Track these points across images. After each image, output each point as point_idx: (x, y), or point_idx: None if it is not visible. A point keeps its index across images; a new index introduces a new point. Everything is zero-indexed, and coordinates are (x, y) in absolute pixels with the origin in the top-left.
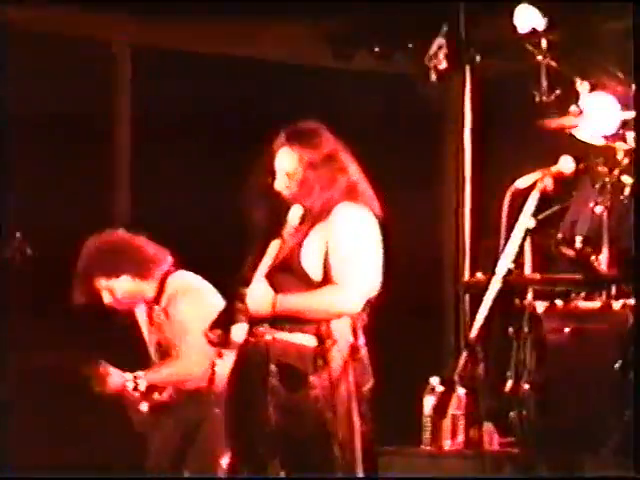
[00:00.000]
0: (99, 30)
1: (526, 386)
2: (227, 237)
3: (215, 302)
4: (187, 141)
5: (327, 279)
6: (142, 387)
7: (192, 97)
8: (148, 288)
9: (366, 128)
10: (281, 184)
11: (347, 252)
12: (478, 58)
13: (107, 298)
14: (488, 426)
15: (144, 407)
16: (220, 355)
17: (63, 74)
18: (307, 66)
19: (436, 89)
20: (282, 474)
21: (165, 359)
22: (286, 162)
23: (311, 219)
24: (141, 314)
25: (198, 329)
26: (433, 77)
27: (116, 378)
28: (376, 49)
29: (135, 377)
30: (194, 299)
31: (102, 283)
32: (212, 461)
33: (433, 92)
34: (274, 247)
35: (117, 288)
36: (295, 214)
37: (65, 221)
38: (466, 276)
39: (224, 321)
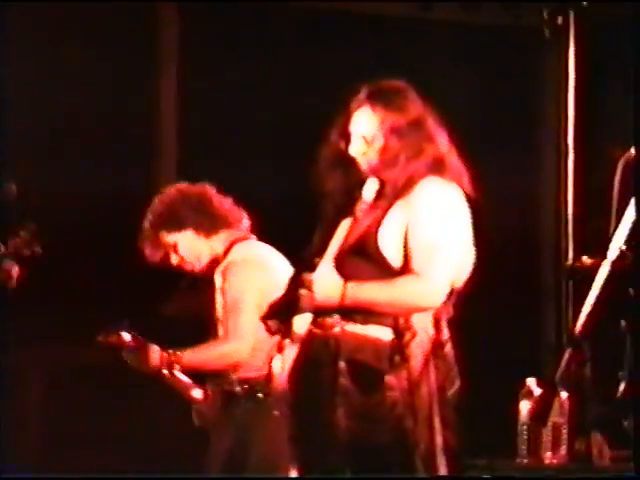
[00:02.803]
0: None
1: None
2: (296, 214)
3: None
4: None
5: (407, 267)
6: (177, 369)
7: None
8: (215, 246)
9: (452, 91)
10: (357, 150)
11: (430, 236)
12: (584, 2)
13: (174, 258)
14: (596, 436)
15: (197, 394)
16: (280, 349)
17: None
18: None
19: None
20: None
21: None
22: (365, 124)
23: (392, 195)
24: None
25: (255, 307)
26: (547, 33)
27: (154, 355)
28: None
29: (170, 355)
30: (256, 271)
31: (166, 238)
32: (272, 469)
33: (541, 49)
34: (344, 226)
35: (180, 244)
36: (370, 189)
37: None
38: (570, 260)
39: (284, 309)
